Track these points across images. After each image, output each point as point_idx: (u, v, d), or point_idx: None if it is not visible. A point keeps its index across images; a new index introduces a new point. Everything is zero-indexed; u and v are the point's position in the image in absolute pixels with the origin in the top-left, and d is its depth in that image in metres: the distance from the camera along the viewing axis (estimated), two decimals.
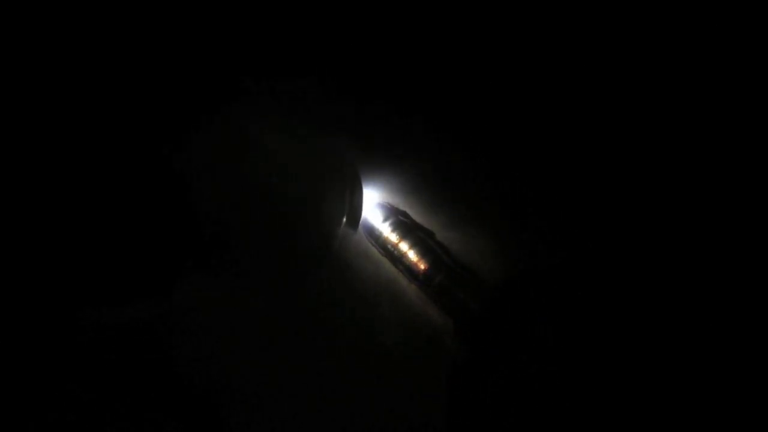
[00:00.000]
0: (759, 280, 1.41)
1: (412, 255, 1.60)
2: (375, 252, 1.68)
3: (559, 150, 1.56)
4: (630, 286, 1.48)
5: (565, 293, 1.52)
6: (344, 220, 1.61)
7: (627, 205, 1.53)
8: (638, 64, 1.51)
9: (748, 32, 1.45)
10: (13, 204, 1.45)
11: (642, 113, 1.53)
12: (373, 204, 1.69)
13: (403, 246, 1.61)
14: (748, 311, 1.40)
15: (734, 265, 1.43)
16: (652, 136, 1.52)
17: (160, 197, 1.52)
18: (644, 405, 1.38)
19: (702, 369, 1.38)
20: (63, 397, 1.43)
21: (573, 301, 1.50)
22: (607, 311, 1.48)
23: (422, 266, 1.59)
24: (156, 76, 1.52)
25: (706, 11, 1.46)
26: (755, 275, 1.42)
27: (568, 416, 1.41)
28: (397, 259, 1.63)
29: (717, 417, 1.34)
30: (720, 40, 1.47)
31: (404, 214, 1.66)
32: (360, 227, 1.69)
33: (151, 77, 1.52)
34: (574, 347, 1.46)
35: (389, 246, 1.64)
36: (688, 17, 1.48)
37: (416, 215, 1.66)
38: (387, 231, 1.64)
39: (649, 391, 1.39)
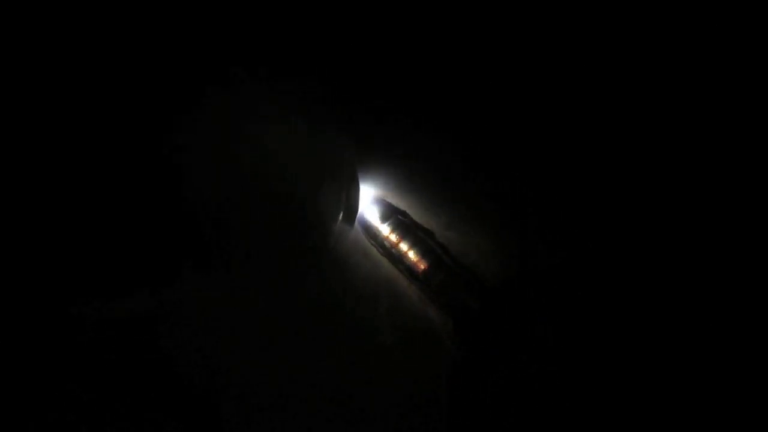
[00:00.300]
0: (759, 280, 1.41)
1: (412, 255, 1.60)
2: (374, 251, 1.68)
3: (558, 150, 1.57)
4: (630, 286, 1.49)
5: (564, 293, 1.52)
6: (340, 217, 1.61)
7: (627, 205, 1.53)
8: (638, 65, 1.51)
9: (748, 32, 1.45)
10: (10, 201, 1.45)
11: (642, 114, 1.53)
12: (373, 203, 1.69)
13: (403, 246, 1.61)
14: (748, 311, 1.40)
15: (734, 265, 1.44)
16: (651, 137, 1.52)
17: (157, 195, 1.52)
18: (644, 405, 1.38)
19: (702, 369, 1.38)
20: (63, 397, 1.43)
21: (573, 301, 1.50)
22: (607, 311, 1.48)
23: (422, 266, 1.59)
24: (156, 76, 1.52)
25: (705, 11, 1.46)
26: (755, 275, 1.42)
27: (568, 416, 1.41)
28: (397, 258, 1.63)
29: (717, 417, 1.34)
30: (720, 40, 1.47)
31: (404, 214, 1.67)
32: (360, 227, 1.69)
33: (151, 77, 1.52)
34: (574, 347, 1.46)
35: (389, 246, 1.64)
36: (688, 17, 1.48)
37: (416, 215, 1.66)
38: (387, 231, 1.64)
39: (649, 390, 1.39)
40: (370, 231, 1.68)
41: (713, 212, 1.47)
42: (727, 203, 1.46)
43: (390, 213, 1.66)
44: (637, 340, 1.43)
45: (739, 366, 1.37)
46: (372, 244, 1.68)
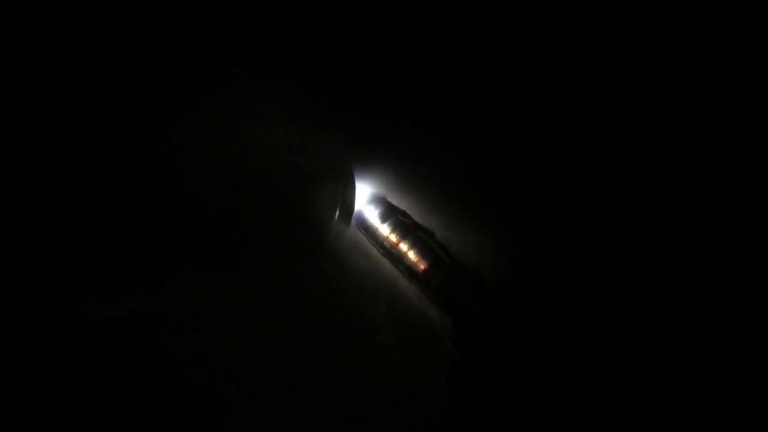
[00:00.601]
0: (759, 280, 1.41)
1: (412, 255, 1.60)
2: (374, 251, 1.68)
3: (558, 150, 1.56)
4: (629, 286, 1.49)
5: (564, 293, 1.52)
6: (337, 215, 1.61)
7: (626, 205, 1.53)
8: (638, 64, 1.51)
9: (748, 32, 1.45)
10: (8, 201, 1.45)
11: (642, 113, 1.53)
12: (373, 203, 1.69)
13: (403, 246, 1.61)
14: (748, 311, 1.40)
15: (734, 265, 1.44)
16: (651, 136, 1.52)
17: (153, 193, 1.52)
18: (644, 405, 1.38)
19: (702, 369, 1.38)
20: (63, 397, 1.43)
21: (573, 301, 1.50)
22: (607, 311, 1.48)
23: (422, 266, 1.59)
24: (155, 75, 1.52)
25: (705, 11, 1.46)
26: (755, 275, 1.42)
27: (568, 416, 1.41)
28: (397, 258, 1.63)
29: (717, 417, 1.34)
30: (720, 40, 1.47)
31: (404, 214, 1.66)
32: (360, 227, 1.69)
33: (150, 76, 1.52)
34: (574, 347, 1.46)
35: (389, 246, 1.64)
36: (688, 17, 1.48)
37: (416, 215, 1.66)
38: (387, 231, 1.64)
39: (649, 390, 1.39)
40: (369, 231, 1.67)
41: (713, 212, 1.47)
42: (728, 203, 1.46)
43: (390, 213, 1.66)
44: (637, 339, 1.43)
45: (739, 366, 1.37)
46: (372, 244, 1.68)
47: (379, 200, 1.69)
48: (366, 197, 1.69)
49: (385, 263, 1.66)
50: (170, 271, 1.51)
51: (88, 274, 1.50)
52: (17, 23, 1.44)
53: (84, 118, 1.49)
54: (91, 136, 1.50)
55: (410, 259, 1.60)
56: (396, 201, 1.69)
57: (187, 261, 1.53)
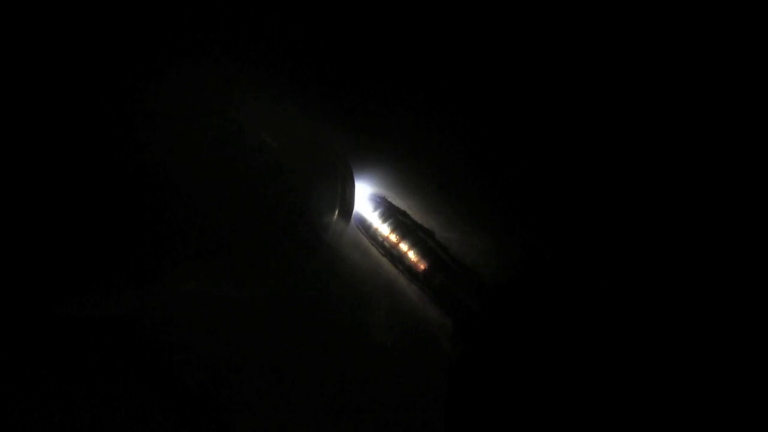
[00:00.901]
0: (759, 280, 1.41)
1: (412, 255, 1.60)
2: (374, 251, 1.68)
3: (558, 150, 1.56)
4: (630, 286, 1.49)
5: (565, 293, 1.52)
6: (336, 212, 1.61)
7: (626, 204, 1.53)
8: (638, 64, 1.51)
9: (748, 32, 1.45)
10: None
11: (641, 113, 1.52)
12: (373, 202, 1.69)
13: (403, 246, 1.61)
14: (748, 311, 1.40)
15: (734, 265, 1.44)
16: (651, 136, 1.52)
17: (151, 192, 1.52)
18: (644, 405, 1.38)
19: (702, 369, 1.38)
20: (63, 397, 1.43)
21: (573, 302, 1.50)
22: (607, 311, 1.48)
23: (422, 266, 1.59)
24: (152, 75, 1.52)
25: (705, 11, 1.46)
26: (755, 275, 1.42)
27: (568, 416, 1.41)
28: (397, 259, 1.63)
29: (717, 417, 1.34)
30: (720, 40, 1.47)
31: (404, 214, 1.66)
32: (360, 227, 1.69)
33: (148, 75, 1.52)
34: (574, 347, 1.46)
35: (389, 246, 1.63)
36: (688, 17, 1.47)
37: (416, 215, 1.66)
38: (387, 231, 1.64)
39: (649, 391, 1.39)
40: (369, 231, 1.67)
41: (714, 212, 1.47)
42: (728, 203, 1.46)
43: (390, 213, 1.66)
44: (637, 339, 1.43)
45: (740, 366, 1.37)
46: (372, 244, 1.68)
47: (379, 200, 1.69)
48: (366, 197, 1.69)
49: (385, 263, 1.66)
50: (169, 271, 1.51)
51: (86, 273, 1.49)
52: None
53: (86, 121, 1.49)
54: (90, 136, 1.49)
55: (410, 259, 1.60)
56: (396, 201, 1.69)
57: (186, 260, 1.53)
